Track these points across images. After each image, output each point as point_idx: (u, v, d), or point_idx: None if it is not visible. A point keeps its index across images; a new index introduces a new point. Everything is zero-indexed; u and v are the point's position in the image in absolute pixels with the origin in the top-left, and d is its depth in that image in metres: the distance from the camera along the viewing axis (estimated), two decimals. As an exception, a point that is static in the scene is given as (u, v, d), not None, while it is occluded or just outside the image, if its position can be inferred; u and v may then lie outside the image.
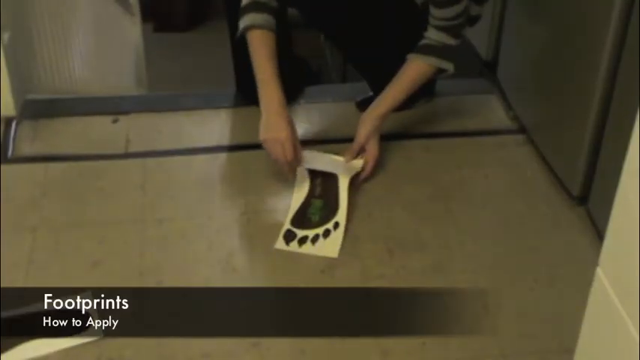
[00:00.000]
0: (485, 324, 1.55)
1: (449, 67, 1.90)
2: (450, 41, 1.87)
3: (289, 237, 1.72)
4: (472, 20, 2.03)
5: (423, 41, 1.89)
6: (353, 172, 1.85)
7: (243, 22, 1.86)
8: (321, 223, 1.74)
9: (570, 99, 1.84)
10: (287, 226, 1.74)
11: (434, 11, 1.86)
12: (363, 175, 1.87)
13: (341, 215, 1.75)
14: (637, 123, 0.92)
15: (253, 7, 1.86)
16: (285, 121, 1.79)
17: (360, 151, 1.89)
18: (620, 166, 0.96)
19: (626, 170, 0.96)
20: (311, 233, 1.72)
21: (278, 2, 1.89)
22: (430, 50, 1.88)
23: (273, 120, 1.79)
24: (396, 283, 1.64)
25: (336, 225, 1.74)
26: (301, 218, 1.76)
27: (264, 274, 1.69)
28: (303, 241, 1.71)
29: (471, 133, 2.11)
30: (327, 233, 1.72)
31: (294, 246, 1.70)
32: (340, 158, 1.88)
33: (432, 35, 1.87)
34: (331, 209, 1.77)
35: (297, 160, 1.81)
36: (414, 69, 1.90)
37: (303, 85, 2.22)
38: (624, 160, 0.96)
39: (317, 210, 1.78)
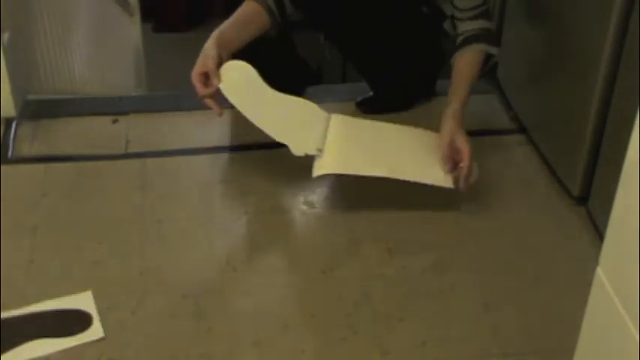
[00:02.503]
0: (486, 324, 1.55)
1: (495, 50, 1.89)
2: (487, 25, 1.88)
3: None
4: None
5: (463, 36, 1.88)
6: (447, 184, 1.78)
7: None
8: None
9: (570, 99, 1.84)
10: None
11: (460, 3, 1.86)
12: (463, 172, 1.77)
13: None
14: (637, 123, 0.92)
15: None
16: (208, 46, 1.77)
17: (453, 153, 1.79)
18: (620, 166, 0.96)
19: (626, 170, 0.96)
20: None
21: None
22: (474, 39, 1.87)
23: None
24: (397, 283, 1.64)
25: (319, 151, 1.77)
26: None
27: (263, 275, 1.69)
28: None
29: (471, 132, 2.10)
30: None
31: None
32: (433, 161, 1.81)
33: (469, 26, 1.87)
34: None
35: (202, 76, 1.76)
36: (467, 61, 1.88)
37: (303, 85, 2.22)
38: (624, 160, 0.96)
39: None
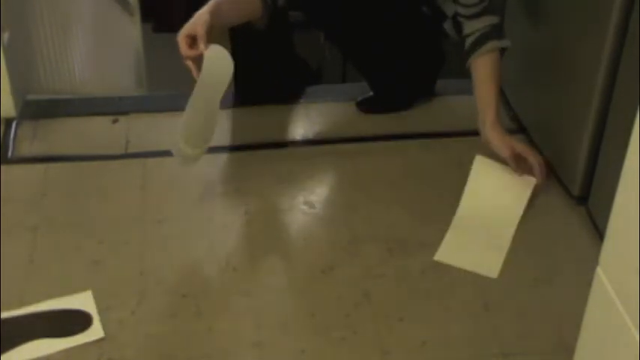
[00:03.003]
0: (486, 324, 1.55)
1: (507, 43, 1.88)
2: (494, 20, 1.86)
3: None
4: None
5: (471, 38, 1.87)
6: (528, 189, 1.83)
7: None
8: None
9: (570, 99, 1.84)
10: None
11: (463, 1, 1.85)
12: (538, 167, 1.81)
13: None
14: (637, 123, 0.92)
15: None
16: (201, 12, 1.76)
17: (517, 157, 1.83)
18: (620, 165, 0.96)
19: (626, 170, 0.96)
20: None
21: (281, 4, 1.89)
22: (485, 38, 1.86)
23: None
24: (397, 282, 1.64)
25: None
26: None
27: (264, 274, 1.69)
28: None
29: (471, 132, 2.11)
30: None
31: None
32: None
33: (476, 25, 1.86)
34: None
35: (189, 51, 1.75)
36: (487, 65, 1.87)
37: (304, 85, 2.22)
38: (624, 159, 0.96)
39: None
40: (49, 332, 1.50)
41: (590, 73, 1.70)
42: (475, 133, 2.11)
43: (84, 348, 1.47)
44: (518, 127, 2.11)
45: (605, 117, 1.70)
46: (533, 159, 1.81)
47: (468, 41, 1.87)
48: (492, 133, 1.84)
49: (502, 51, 1.89)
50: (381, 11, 1.97)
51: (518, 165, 1.82)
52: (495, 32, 1.86)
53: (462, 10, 1.86)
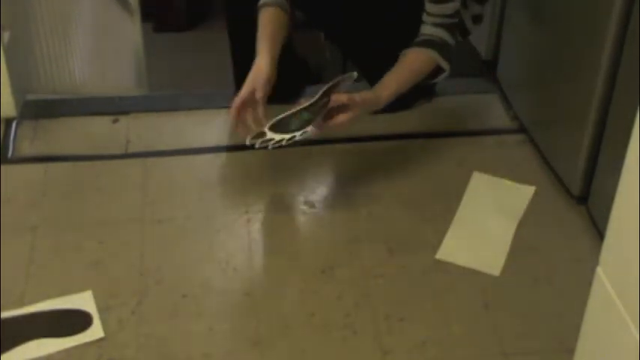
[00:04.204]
0: (486, 323, 1.55)
1: (446, 66, 1.90)
2: (447, 38, 1.88)
3: (257, 136, 1.68)
4: (475, 19, 2.04)
5: (420, 37, 1.89)
6: None
7: (260, 2, 1.90)
8: (300, 129, 1.69)
9: (570, 98, 1.84)
10: (263, 128, 1.68)
11: (431, 8, 1.86)
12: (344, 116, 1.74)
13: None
14: (637, 123, 0.92)
15: None
16: (248, 79, 1.76)
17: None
18: (620, 165, 0.96)
19: (626, 170, 0.96)
20: (286, 136, 1.67)
21: None
22: (429, 44, 1.88)
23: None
24: (397, 282, 1.64)
25: (305, 133, 1.70)
26: (281, 124, 1.69)
27: (264, 274, 1.69)
28: (265, 142, 1.67)
29: (471, 132, 2.11)
30: (291, 139, 1.68)
31: (262, 143, 1.66)
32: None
33: (429, 31, 1.88)
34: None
35: (240, 110, 1.74)
36: (415, 58, 1.88)
37: (304, 85, 2.22)
38: (624, 159, 0.96)
39: (301, 119, 1.70)
40: (49, 332, 1.50)
41: (590, 73, 1.70)
42: (475, 132, 2.12)
43: (84, 348, 1.47)
44: (518, 126, 2.11)
45: (605, 117, 1.70)
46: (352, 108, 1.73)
47: (419, 38, 1.89)
48: (366, 95, 1.77)
49: (438, 70, 1.91)
50: (381, 11, 1.97)
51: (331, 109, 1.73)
52: (441, 46, 1.88)
53: (425, 17, 1.89)
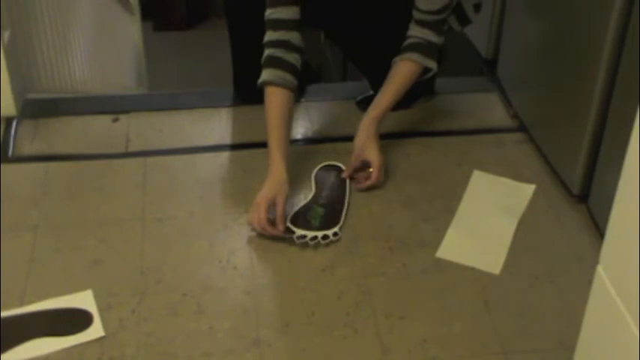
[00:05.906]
0: (486, 322, 1.55)
1: (432, 65, 1.91)
2: (433, 38, 1.89)
3: (287, 232, 1.72)
4: (476, 8, 2.04)
5: (407, 41, 1.90)
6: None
7: (262, 77, 1.86)
8: (321, 229, 1.73)
9: (570, 97, 1.84)
10: (287, 224, 1.74)
11: (420, 3, 1.86)
12: (368, 183, 1.86)
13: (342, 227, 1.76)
14: (637, 122, 0.92)
15: (272, 63, 1.87)
16: (268, 188, 1.74)
17: (360, 159, 1.87)
18: (620, 164, 0.96)
19: (626, 169, 0.96)
20: (310, 234, 1.71)
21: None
22: (414, 48, 1.89)
23: (264, 186, 1.76)
24: (397, 280, 1.64)
25: (336, 235, 1.73)
26: (301, 219, 1.75)
27: (264, 273, 1.69)
28: (301, 238, 1.71)
29: (471, 131, 2.11)
30: (325, 238, 1.72)
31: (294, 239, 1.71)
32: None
33: (416, 32, 1.89)
34: (333, 220, 1.76)
35: (269, 226, 1.71)
36: (401, 69, 1.91)
37: (304, 84, 2.22)
38: (624, 158, 0.96)
39: (317, 216, 1.77)
40: (49, 331, 1.50)
41: (591, 72, 1.70)
42: (475, 131, 2.12)
43: (84, 347, 1.47)
44: (518, 125, 2.11)
45: (605, 116, 1.70)
46: (374, 174, 1.85)
47: (405, 42, 1.91)
48: (366, 126, 1.88)
49: (425, 69, 1.92)
50: (381, 11, 1.97)
51: (354, 170, 1.88)
52: (425, 47, 1.89)
53: (414, 14, 1.89)
